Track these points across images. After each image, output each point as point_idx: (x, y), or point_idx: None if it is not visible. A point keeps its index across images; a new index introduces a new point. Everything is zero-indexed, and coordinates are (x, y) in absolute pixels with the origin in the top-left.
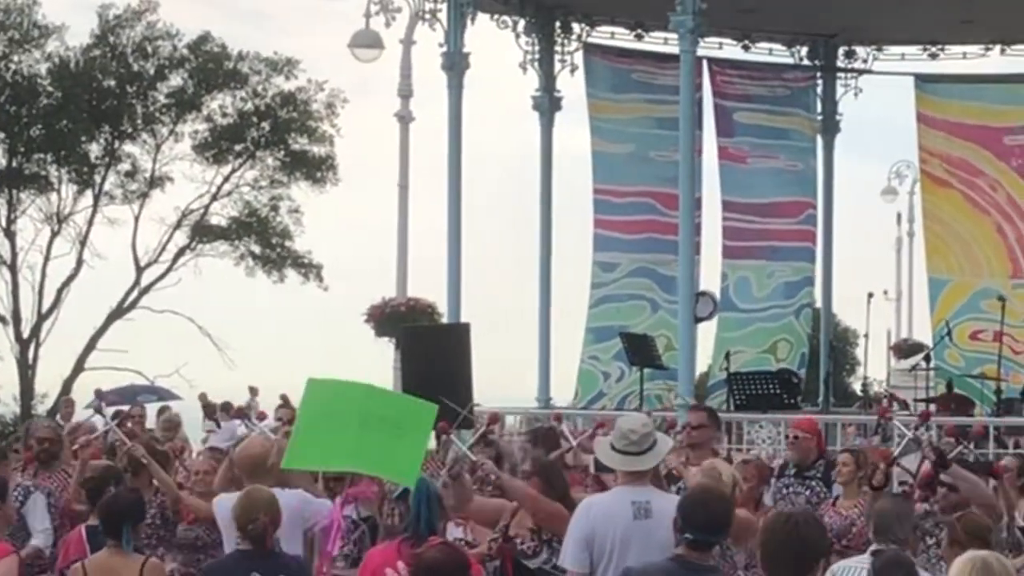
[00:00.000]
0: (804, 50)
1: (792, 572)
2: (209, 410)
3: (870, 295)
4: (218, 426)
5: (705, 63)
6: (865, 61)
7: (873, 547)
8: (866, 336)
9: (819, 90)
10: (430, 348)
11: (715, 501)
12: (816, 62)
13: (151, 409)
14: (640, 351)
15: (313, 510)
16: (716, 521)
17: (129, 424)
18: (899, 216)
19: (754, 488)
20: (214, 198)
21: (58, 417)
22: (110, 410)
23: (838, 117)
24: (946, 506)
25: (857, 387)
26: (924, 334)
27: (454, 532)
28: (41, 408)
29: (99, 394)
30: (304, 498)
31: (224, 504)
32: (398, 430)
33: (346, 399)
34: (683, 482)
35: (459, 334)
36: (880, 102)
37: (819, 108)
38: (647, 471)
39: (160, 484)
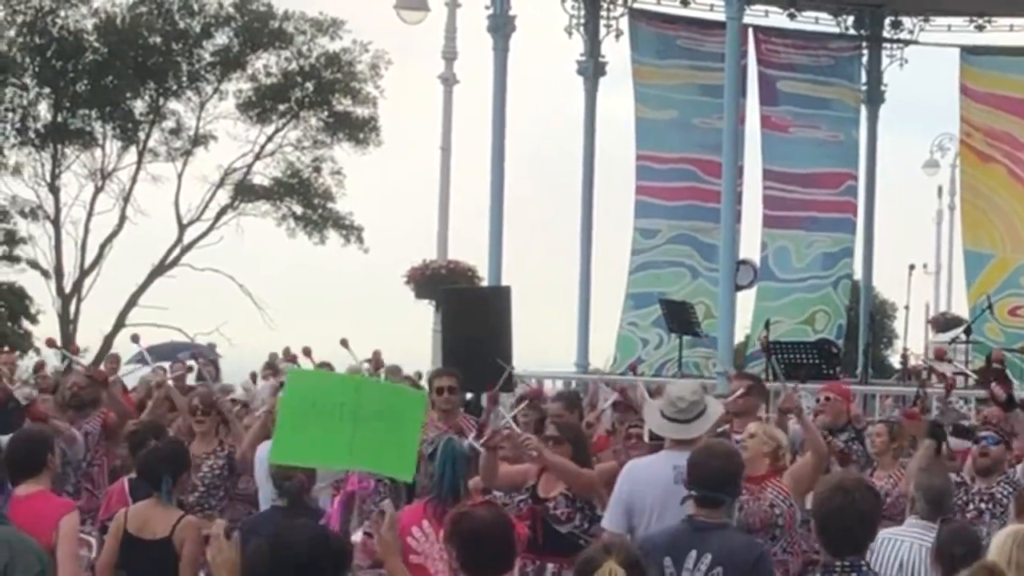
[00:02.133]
0: (850, 19)
1: (850, 542)
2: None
3: (911, 267)
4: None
5: (751, 31)
6: (911, 32)
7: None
8: (907, 308)
9: (864, 60)
10: (471, 310)
11: (719, 457)
12: (862, 32)
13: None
14: (679, 318)
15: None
16: (720, 477)
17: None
18: (940, 189)
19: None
20: (257, 157)
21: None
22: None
23: (883, 88)
24: (986, 466)
25: (895, 360)
26: (962, 308)
27: None
28: (83, 362)
29: (135, 338)
30: None
31: (263, 455)
32: (392, 423)
33: (336, 393)
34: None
35: (500, 297)
36: (925, 73)
37: (863, 78)
38: (695, 438)
39: (232, 435)
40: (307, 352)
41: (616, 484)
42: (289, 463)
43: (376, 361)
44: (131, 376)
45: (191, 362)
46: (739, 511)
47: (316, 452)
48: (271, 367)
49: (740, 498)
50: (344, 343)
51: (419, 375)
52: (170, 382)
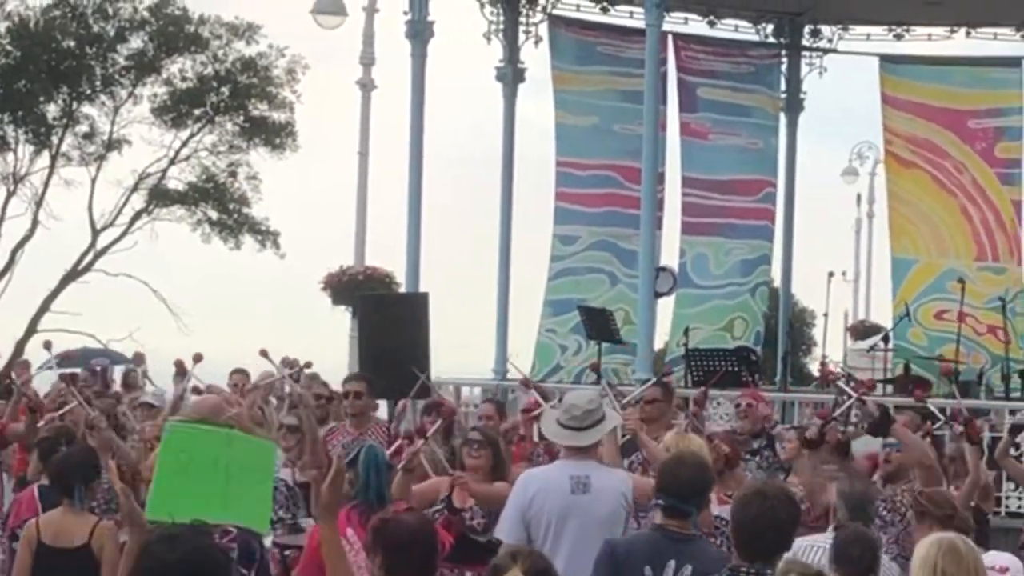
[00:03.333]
0: (769, 27)
1: (767, 548)
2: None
3: (831, 274)
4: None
5: (670, 38)
6: (830, 40)
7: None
8: (826, 315)
9: (783, 68)
10: (388, 317)
11: (688, 467)
12: (781, 40)
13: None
14: (598, 325)
15: None
16: (689, 487)
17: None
18: (859, 197)
19: (727, 463)
20: (172, 162)
21: (14, 376)
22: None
23: (802, 96)
24: (889, 472)
25: (813, 367)
26: (881, 316)
27: (281, 472)
28: None
29: (47, 345)
30: None
31: None
32: (255, 475)
33: (208, 447)
34: (641, 453)
35: (417, 303)
36: (844, 82)
37: (783, 86)
38: (590, 447)
39: (116, 453)
40: (197, 358)
41: (511, 495)
42: (166, 517)
43: (298, 368)
44: (42, 380)
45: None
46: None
47: (192, 506)
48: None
49: None
50: (264, 353)
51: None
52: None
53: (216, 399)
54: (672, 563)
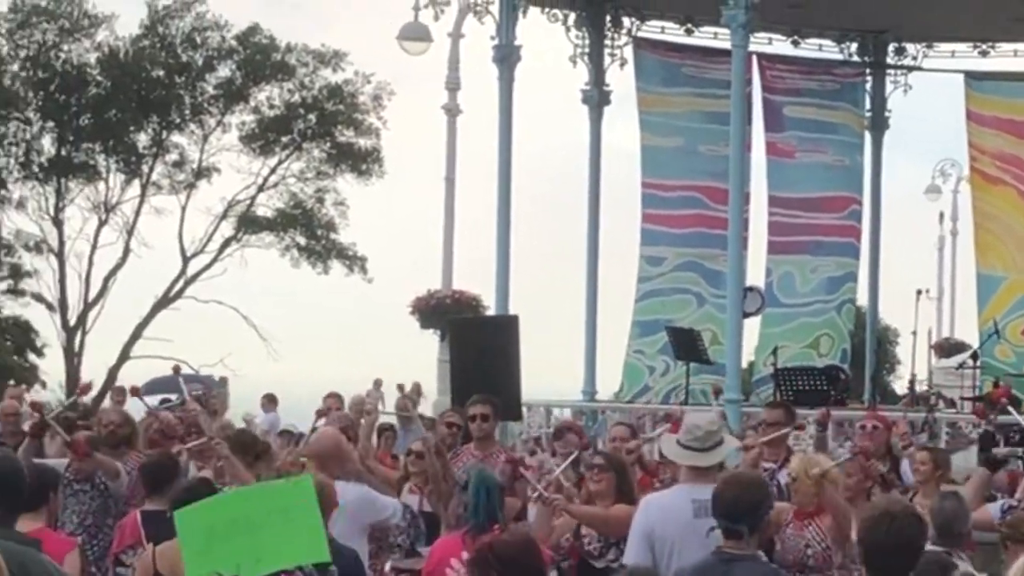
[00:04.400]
0: (854, 46)
1: (897, 568)
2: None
3: (919, 292)
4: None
5: (755, 58)
6: (915, 58)
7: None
8: (914, 334)
9: (868, 86)
10: (479, 340)
11: (737, 487)
12: (866, 58)
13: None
14: (685, 345)
15: (378, 507)
16: (738, 507)
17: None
18: (942, 215)
19: (861, 483)
20: (260, 189)
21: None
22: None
23: (887, 114)
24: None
25: (897, 386)
26: (965, 333)
27: (408, 498)
28: (86, 397)
29: (177, 370)
30: (369, 496)
31: None
32: (287, 515)
33: (224, 513)
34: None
35: (508, 326)
36: (928, 99)
37: (868, 104)
38: (711, 468)
39: (236, 478)
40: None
41: (634, 519)
42: None
43: (416, 390)
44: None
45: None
46: (779, 545)
47: (247, 568)
48: (270, 399)
49: (785, 531)
50: (377, 384)
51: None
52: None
53: (335, 433)
54: None
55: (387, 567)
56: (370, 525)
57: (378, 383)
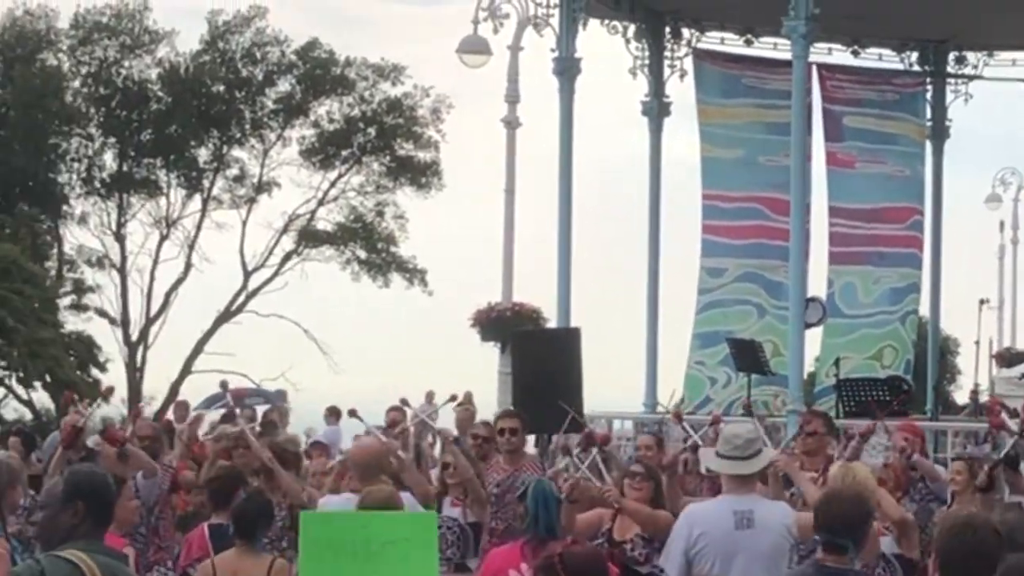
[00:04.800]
0: (914, 55)
1: None
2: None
3: (982, 302)
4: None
5: (815, 68)
6: (975, 67)
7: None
8: (977, 343)
9: (928, 96)
10: (541, 352)
11: (843, 501)
12: (926, 67)
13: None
14: (747, 357)
15: None
16: (845, 521)
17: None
18: (1002, 224)
19: (894, 493)
20: (320, 203)
21: (172, 419)
22: (218, 413)
23: (947, 123)
24: None
25: (958, 396)
26: None
27: (451, 511)
28: (148, 411)
29: (224, 385)
30: (411, 504)
31: (327, 507)
32: (405, 549)
33: (346, 531)
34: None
35: (570, 339)
36: (987, 108)
37: (928, 114)
38: (751, 478)
39: (286, 490)
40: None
41: (675, 529)
42: None
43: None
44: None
45: (261, 407)
46: None
47: None
48: (333, 412)
49: None
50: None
51: None
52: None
53: (376, 443)
54: None
55: None
56: None
57: (430, 395)
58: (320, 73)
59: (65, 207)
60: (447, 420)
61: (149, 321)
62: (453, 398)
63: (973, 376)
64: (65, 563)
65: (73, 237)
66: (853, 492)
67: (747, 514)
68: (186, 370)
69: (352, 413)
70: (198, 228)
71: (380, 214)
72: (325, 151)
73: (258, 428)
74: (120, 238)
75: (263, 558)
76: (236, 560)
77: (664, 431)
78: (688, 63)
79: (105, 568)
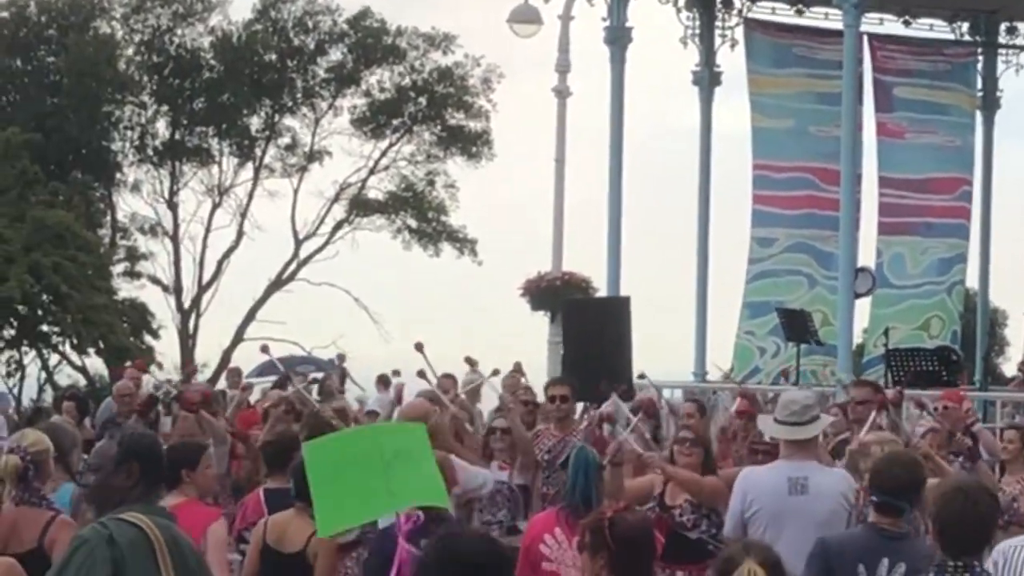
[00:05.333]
0: (965, 26)
1: (973, 543)
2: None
3: None
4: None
5: (865, 38)
6: None
7: None
8: None
9: (979, 66)
10: (592, 321)
11: (900, 464)
12: (977, 38)
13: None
14: (796, 326)
15: (468, 477)
16: (901, 484)
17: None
18: None
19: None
20: (371, 172)
21: (226, 386)
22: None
23: (998, 93)
24: None
25: (1006, 367)
26: None
27: (498, 475)
28: (201, 378)
29: (265, 349)
30: (460, 465)
31: None
32: (413, 457)
33: (356, 446)
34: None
35: (620, 307)
36: None
37: (979, 84)
38: (808, 443)
39: None
40: (419, 347)
41: (733, 493)
42: (338, 531)
43: (517, 370)
44: (256, 389)
45: (313, 374)
46: None
47: (359, 510)
48: (383, 380)
49: None
50: (470, 361)
51: None
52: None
53: (425, 404)
54: (885, 561)
55: None
56: (459, 495)
57: (472, 362)
58: (371, 42)
59: (118, 175)
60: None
61: (201, 289)
62: (495, 373)
63: (1022, 348)
64: (130, 526)
65: (126, 205)
66: (909, 457)
67: (801, 480)
68: (238, 338)
69: (421, 374)
70: (250, 196)
71: (431, 183)
72: (376, 120)
73: (316, 396)
74: (172, 206)
75: (308, 524)
76: (284, 523)
77: (714, 400)
78: (739, 32)
79: (165, 530)
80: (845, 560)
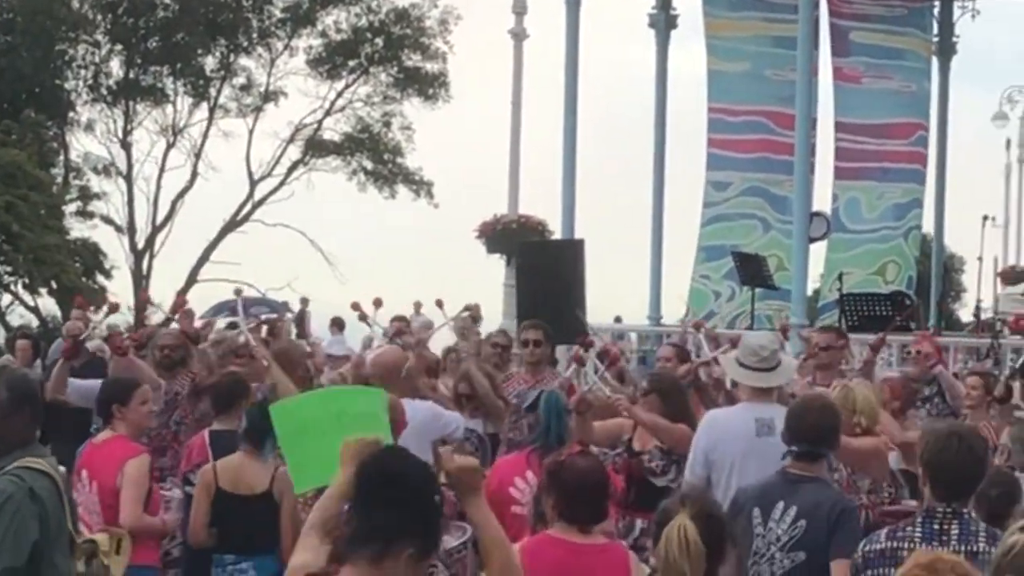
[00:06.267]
0: None
1: (965, 488)
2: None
3: (985, 218)
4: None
5: None
6: None
7: None
8: (980, 259)
9: (936, 11)
10: (546, 264)
11: (817, 412)
12: None
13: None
14: (751, 270)
15: (443, 423)
16: (818, 431)
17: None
18: (1008, 142)
19: (899, 408)
20: (327, 113)
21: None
22: (224, 321)
23: (954, 39)
24: None
25: (963, 313)
26: None
27: (469, 423)
28: (155, 319)
29: (239, 292)
30: (435, 411)
31: None
32: (371, 420)
33: (315, 410)
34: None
35: (574, 250)
36: (996, 25)
37: (935, 30)
38: (773, 388)
39: (283, 395)
40: (377, 303)
41: (696, 435)
42: (314, 487)
43: (475, 315)
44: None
45: (266, 315)
46: None
47: (326, 470)
48: (337, 323)
49: None
50: (439, 304)
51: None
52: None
53: (397, 350)
54: (780, 505)
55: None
56: (434, 441)
57: (418, 305)
58: None
59: (71, 114)
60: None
61: (155, 229)
62: (468, 310)
63: (976, 293)
64: (41, 475)
65: (79, 144)
66: (822, 402)
67: (768, 422)
68: (192, 279)
69: (362, 317)
70: (204, 137)
71: (387, 125)
72: (332, 61)
73: (264, 336)
74: (126, 145)
75: (268, 465)
76: (239, 464)
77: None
78: None
79: (62, 474)
80: (744, 505)
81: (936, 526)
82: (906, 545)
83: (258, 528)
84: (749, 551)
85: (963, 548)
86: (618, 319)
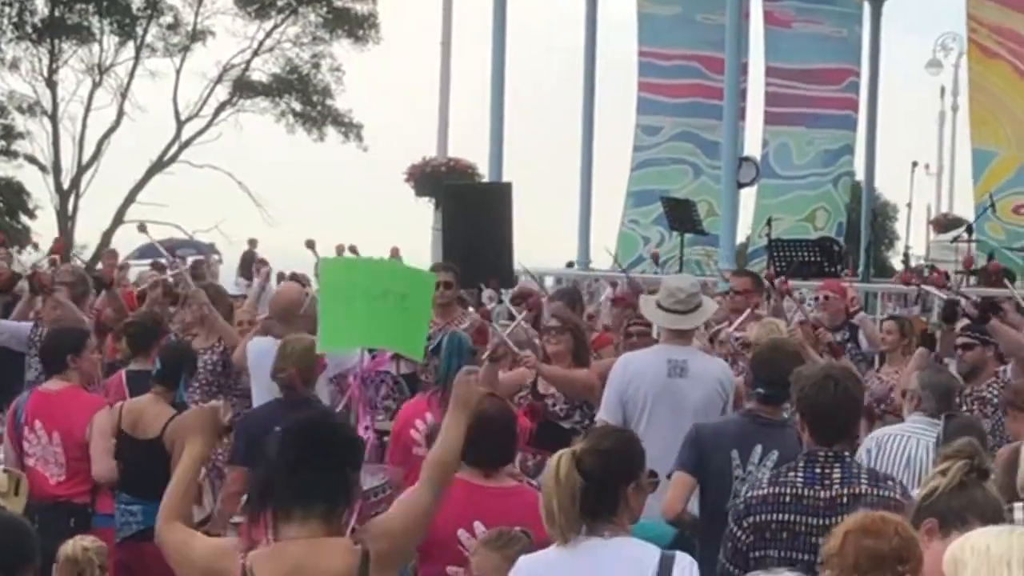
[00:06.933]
0: None
1: (840, 433)
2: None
3: (914, 164)
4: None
5: None
6: None
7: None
8: (909, 206)
9: None
10: (472, 207)
11: (784, 355)
12: None
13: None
14: (681, 216)
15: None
16: (784, 373)
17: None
18: (943, 90)
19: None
20: (255, 53)
21: (100, 267)
22: (147, 261)
23: None
24: (963, 371)
25: (895, 261)
26: (964, 210)
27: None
28: (79, 260)
29: (143, 228)
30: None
31: (253, 348)
32: (404, 302)
33: (355, 276)
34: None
35: (501, 194)
36: None
37: None
38: (690, 330)
39: (221, 334)
40: (310, 245)
41: (610, 377)
42: (336, 348)
43: (394, 256)
44: (133, 270)
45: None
46: None
47: (361, 334)
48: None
49: None
50: (310, 245)
51: None
52: (171, 278)
53: (295, 287)
54: (759, 448)
55: (363, 427)
56: (339, 375)
57: (340, 248)
58: None
59: None
60: None
61: (81, 169)
62: (353, 249)
63: (905, 239)
64: None
65: (3, 83)
66: (792, 347)
67: (681, 364)
68: (118, 220)
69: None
70: (131, 76)
71: (316, 66)
72: (260, 0)
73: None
74: (51, 84)
75: (164, 410)
76: (140, 409)
77: (596, 288)
78: None
79: None
80: (720, 446)
81: (818, 470)
82: (788, 490)
83: (148, 473)
84: (729, 493)
85: (846, 491)
86: (571, 264)
